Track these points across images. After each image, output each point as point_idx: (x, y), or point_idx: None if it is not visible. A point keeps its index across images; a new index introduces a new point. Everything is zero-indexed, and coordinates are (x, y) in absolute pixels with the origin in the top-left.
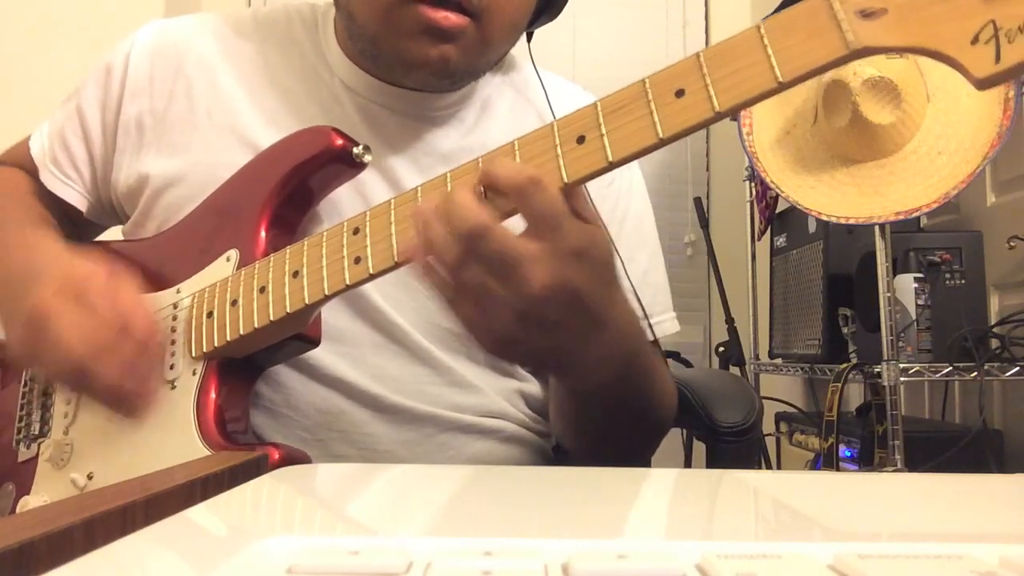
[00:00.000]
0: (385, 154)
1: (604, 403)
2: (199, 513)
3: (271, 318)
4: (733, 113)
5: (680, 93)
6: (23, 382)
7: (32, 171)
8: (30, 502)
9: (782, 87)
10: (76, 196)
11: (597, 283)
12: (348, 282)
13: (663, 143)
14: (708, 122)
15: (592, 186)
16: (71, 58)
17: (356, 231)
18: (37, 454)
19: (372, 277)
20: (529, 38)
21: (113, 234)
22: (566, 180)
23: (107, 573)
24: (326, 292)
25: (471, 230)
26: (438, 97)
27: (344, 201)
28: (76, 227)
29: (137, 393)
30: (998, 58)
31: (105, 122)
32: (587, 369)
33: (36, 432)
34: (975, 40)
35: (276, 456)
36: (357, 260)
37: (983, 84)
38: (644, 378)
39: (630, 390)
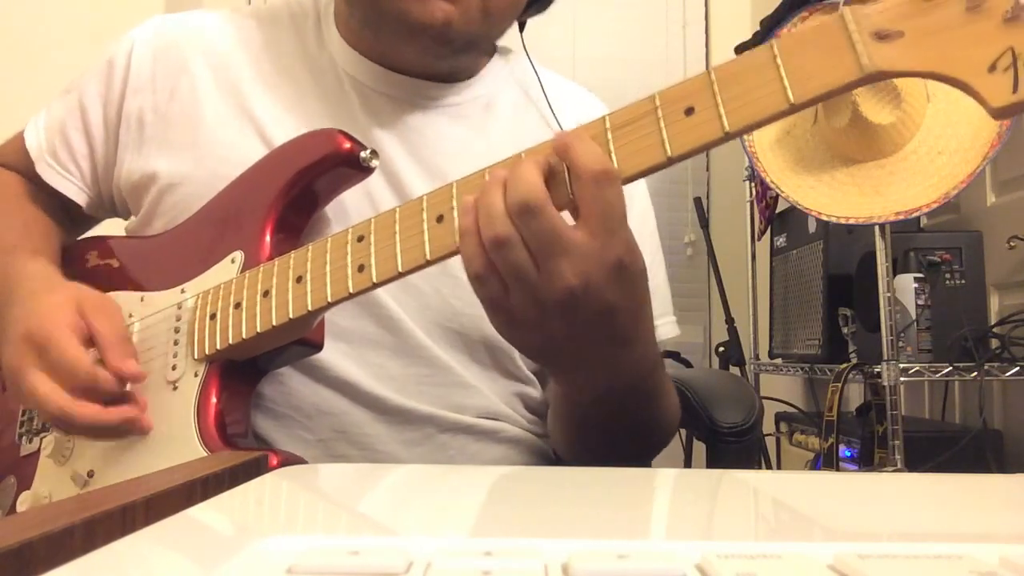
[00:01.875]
0: (385, 144)
1: (604, 415)
2: (199, 513)
3: (274, 322)
4: (743, 134)
5: (690, 111)
6: None
7: (27, 165)
8: (30, 498)
9: (794, 109)
10: (75, 190)
11: (631, 300)
12: (351, 290)
13: (672, 162)
14: (718, 142)
15: None
16: (72, 55)
17: (361, 239)
18: (39, 449)
19: (375, 286)
20: (521, 28)
21: (109, 226)
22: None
23: (107, 573)
24: (329, 299)
25: (526, 201)
26: (442, 87)
27: (346, 197)
28: (73, 220)
29: (120, 426)
30: (1016, 87)
31: (107, 117)
32: (596, 380)
33: (39, 426)
34: (993, 68)
35: (275, 462)
36: (361, 268)
37: (1000, 113)
38: (652, 397)
39: (634, 407)
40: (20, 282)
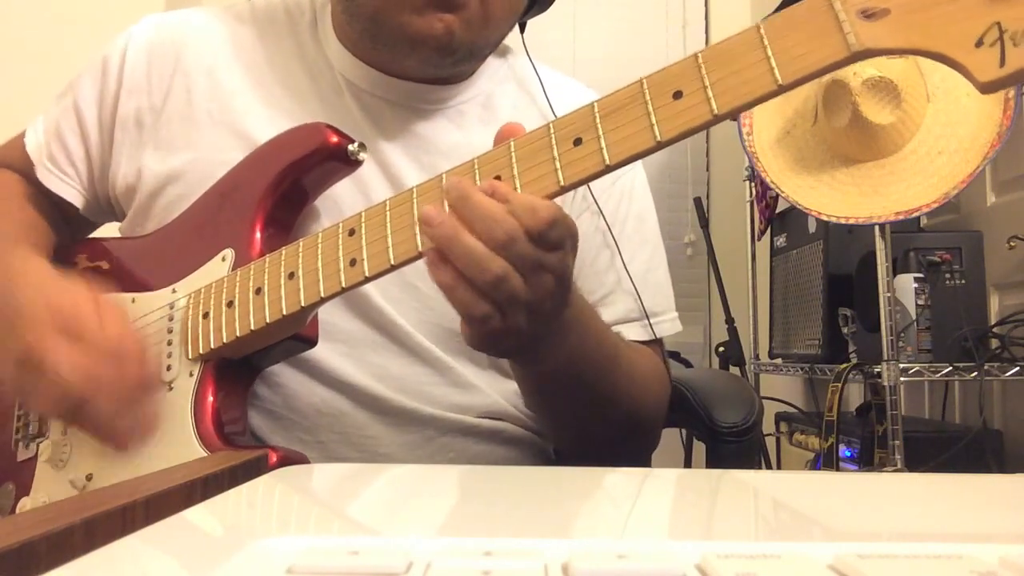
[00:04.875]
0: (385, 148)
1: (565, 385)
2: (199, 513)
3: (267, 320)
4: (732, 116)
5: (678, 95)
6: None
7: (27, 168)
8: (29, 503)
9: (782, 89)
10: (72, 193)
11: (572, 267)
12: (343, 284)
13: (661, 146)
14: (706, 125)
15: (595, 184)
16: (72, 53)
17: (352, 232)
18: (36, 454)
19: (368, 279)
20: (522, 29)
21: (109, 231)
22: (562, 183)
23: (107, 573)
24: (322, 295)
25: (508, 234)
26: (439, 89)
27: (343, 195)
28: (71, 224)
29: (131, 429)
30: (1003, 62)
31: (102, 119)
32: (551, 348)
33: (35, 432)
34: (979, 43)
35: (274, 458)
36: (353, 262)
37: (987, 88)
38: (609, 362)
39: (593, 373)
40: (28, 269)
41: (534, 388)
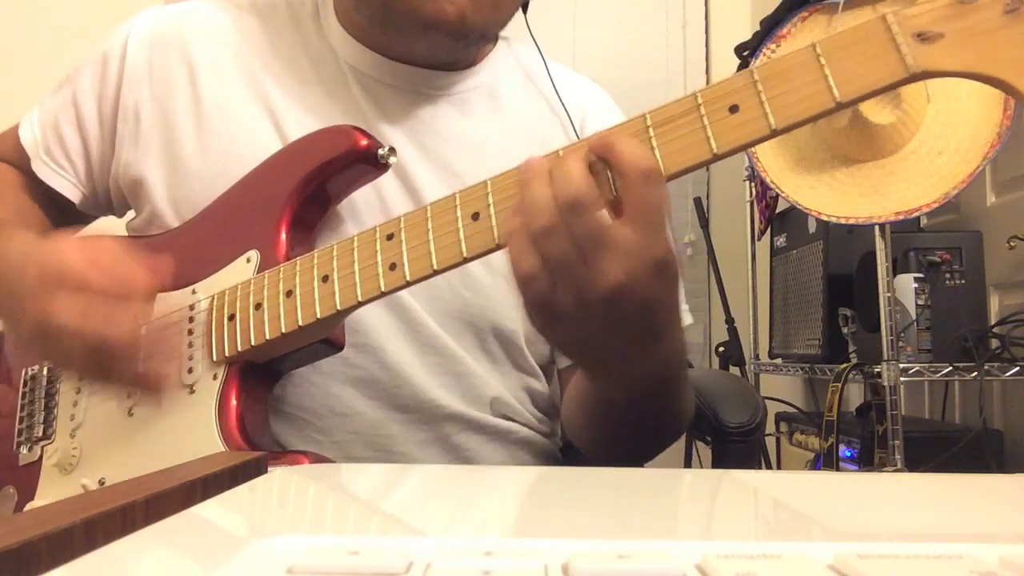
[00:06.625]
0: (389, 134)
1: (636, 409)
2: (200, 513)
3: (300, 323)
4: (789, 131)
5: (734, 109)
6: (23, 382)
7: (22, 160)
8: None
9: (840, 107)
10: (69, 186)
11: (670, 296)
12: (383, 289)
13: (717, 158)
14: (763, 139)
15: None
16: (71, 48)
17: (390, 237)
18: (40, 457)
19: (408, 284)
20: (524, 9)
21: (107, 224)
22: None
23: (107, 573)
24: (359, 298)
25: (576, 197)
26: (444, 75)
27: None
28: (65, 218)
29: (156, 373)
30: None
31: (102, 112)
32: (631, 374)
33: (39, 434)
34: None
35: (305, 464)
36: (392, 267)
37: None
38: (680, 389)
39: (664, 400)
40: (11, 247)
41: (596, 406)
